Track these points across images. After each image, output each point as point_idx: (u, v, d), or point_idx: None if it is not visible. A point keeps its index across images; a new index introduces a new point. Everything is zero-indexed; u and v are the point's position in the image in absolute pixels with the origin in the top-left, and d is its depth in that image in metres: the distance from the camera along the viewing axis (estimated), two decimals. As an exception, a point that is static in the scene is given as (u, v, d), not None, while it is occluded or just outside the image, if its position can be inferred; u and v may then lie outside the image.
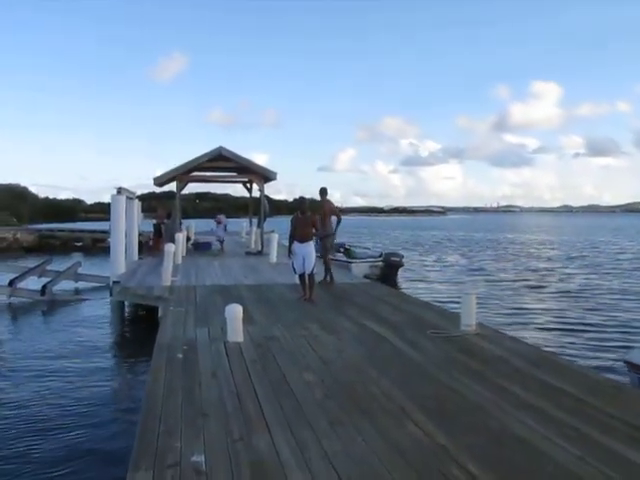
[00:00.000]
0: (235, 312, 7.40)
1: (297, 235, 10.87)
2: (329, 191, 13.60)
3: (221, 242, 23.19)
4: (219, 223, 24.08)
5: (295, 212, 11.18)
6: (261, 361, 6.54)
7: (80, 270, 19.24)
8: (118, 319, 13.58)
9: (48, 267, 19.13)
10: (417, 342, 7.53)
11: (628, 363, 7.43)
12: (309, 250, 10.87)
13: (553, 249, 42.32)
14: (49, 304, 15.73)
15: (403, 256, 22.54)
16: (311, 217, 10.98)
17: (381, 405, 5.07)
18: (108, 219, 16.83)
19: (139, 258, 19.46)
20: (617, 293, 19.52)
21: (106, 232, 26.61)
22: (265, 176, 21.52)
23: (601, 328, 13.68)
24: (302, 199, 11.31)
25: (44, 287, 16.21)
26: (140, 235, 21.78)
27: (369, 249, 25.26)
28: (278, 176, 21.55)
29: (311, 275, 10.92)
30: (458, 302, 8.84)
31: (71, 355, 10.43)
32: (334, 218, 13.51)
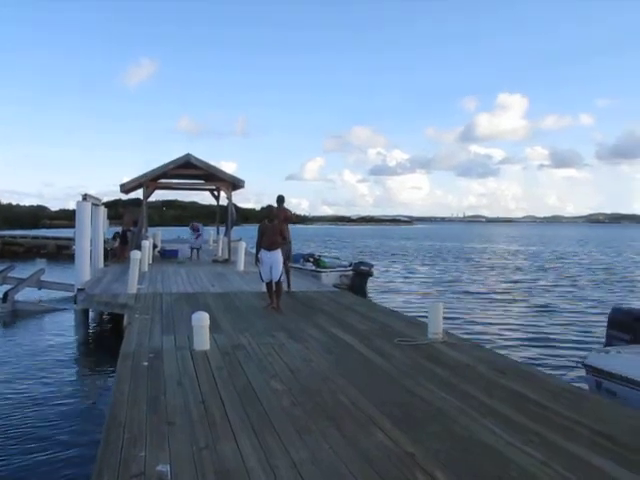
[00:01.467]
0: (202, 320, 7.34)
1: (264, 243, 10.83)
2: (297, 200, 13.90)
3: (197, 250, 22.91)
4: (196, 231, 23.42)
5: (262, 220, 11.14)
6: (228, 369, 6.49)
7: (44, 277, 18.88)
8: (82, 327, 13.35)
9: (10, 274, 18.75)
10: (385, 350, 7.56)
11: (586, 366, 7.58)
12: (276, 258, 10.84)
13: (523, 259, 42.88)
14: (11, 312, 15.41)
15: (373, 265, 22.67)
16: (279, 225, 10.95)
17: (349, 413, 5.06)
18: (73, 226, 16.61)
19: (105, 265, 19.20)
20: (582, 301, 19.90)
21: (71, 239, 26.28)
22: (233, 184, 21.43)
23: (565, 333, 14.12)
24: (270, 207, 11.33)
25: (6, 294, 15.90)
26: (106, 242, 21.49)
27: (338, 258, 25.33)
28: (246, 184, 21.54)
29: (278, 283, 10.90)
30: (426, 311, 8.89)
31: (33, 365, 10.24)
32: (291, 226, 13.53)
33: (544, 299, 20.43)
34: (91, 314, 13.92)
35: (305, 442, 4.36)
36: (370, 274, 21.82)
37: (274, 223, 10.91)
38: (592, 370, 7.40)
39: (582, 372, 7.96)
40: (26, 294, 17.39)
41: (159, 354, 7.14)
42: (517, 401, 5.44)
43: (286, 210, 13.30)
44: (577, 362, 8.51)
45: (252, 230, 14.68)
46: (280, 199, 13.06)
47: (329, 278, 20.00)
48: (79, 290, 13.19)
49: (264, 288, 11.30)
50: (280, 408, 5.15)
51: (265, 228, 10.86)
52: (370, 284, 22.37)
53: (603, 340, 9.02)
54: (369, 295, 20.23)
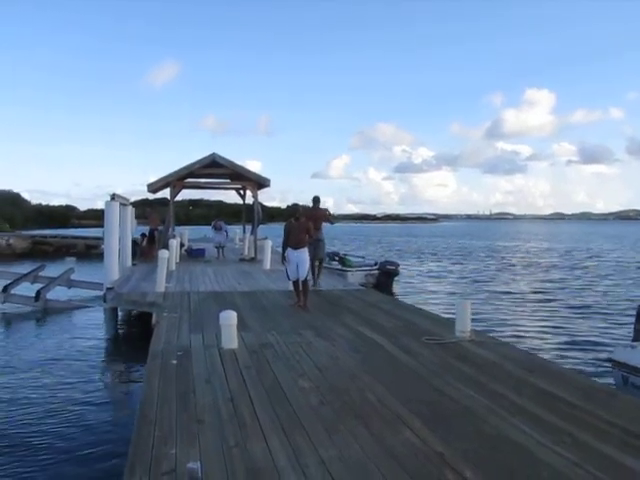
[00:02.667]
0: (229, 318, 7.39)
1: (291, 241, 10.85)
2: (323, 198, 14.07)
3: (222, 248, 22.88)
4: (219, 229, 23.32)
5: (289, 219, 11.17)
6: (256, 367, 6.53)
7: (73, 276, 19.16)
8: (111, 326, 13.52)
9: (41, 273, 19.05)
10: (412, 348, 7.54)
11: (612, 361, 7.53)
12: (303, 257, 10.86)
13: (554, 257, 42.27)
14: (42, 310, 15.66)
15: (399, 264, 22.58)
16: (305, 223, 10.96)
17: (376, 411, 5.07)
18: (101, 226, 16.79)
19: (133, 264, 19.40)
20: (615, 298, 19.62)
21: (99, 238, 26.55)
22: (259, 183, 21.49)
23: (595, 329, 14.10)
24: (296, 206, 11.33)
25: (38, 293, 16.14)
26: (134, 242, 21.70)
27: (363, 258, 25.29)
28: (272, 183, 21.56)
29: (305, 281, 10.92)
30: (454, 310, 8.86)
31: (65, 362, 10.38)
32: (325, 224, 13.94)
33: (574, 297, 20.18)
34: (120, 312, 14.10)
35: (333, 441, 4.37)
36: (396, 273, 21.75)
37: (300, 221, 10.92)
38: (618, 365, 7.36)
39: (610, 367, 7.91)
40: (56, 293, 17.65)
41: (188, 352, 7.21)
42: (547, 400, 5.39)
43: (321, 210, 13.94)
44: (605, 358, 8.46)
45: (278, 229, 14.75)
46: (316, 199, 13.73)
47: (355, 277, 19.97)
48: (108, 289, 13.34)
49: (291, 287, 11.33)
50: (308, 407, 5.17)
51: (291, 227, 10.88)
52: (397, 283, 22.30)
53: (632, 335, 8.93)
54: (395, 294, 20.16)
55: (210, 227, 24.44)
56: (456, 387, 5.81)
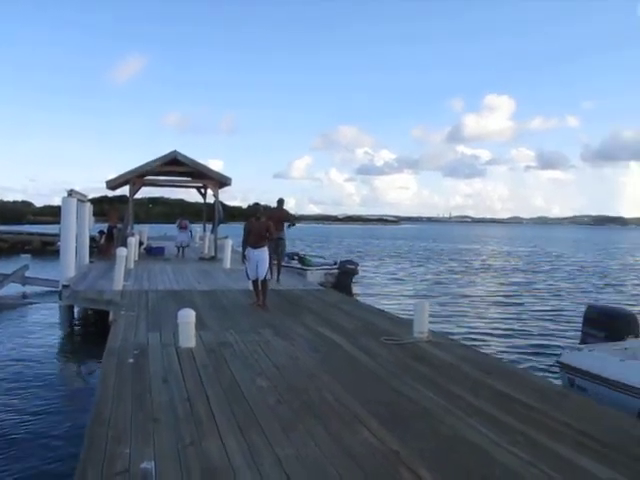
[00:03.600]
0: (187, 317, 7.32)
1: (251, 240, 10.79)
2: (285, 199, 14.82)
3: (183, 248, 22.68)
4: (183, 228, 23.08)
5: (249, 218, 11.11)
6: (213, 366, 6.47)
7: (28, 273, 18.74)
8: (67, 324, 13.25)
9: (-6, 270, 18.61)
10: (370, 348, 7.57)
11: (560, 363, 7.70)
12: (263, 256, 10.81)
13: (513, 260, 42.94)
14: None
15: (358, 264, 22.71)
16: (265, 223, 10.92)
17: (334, 411, 5.06)
18: (58, 222, 16.46)
19: (90, 262, 19.07)
20: (567, 300, 20.03)
21: (56, 235, 26.07)
22: (220, 181, 21.34)
23: (547, 332, 14.46)
24: (257, 205, 11.30)
25: (-11, 290, 15.75)
26: (92, 239, 21.35)
27: (323, 257, 25.35)
28: (233, 182, 21.42)
29: (264, 281, 10.88)
30: (412, 311, 8.92)
31: (18, 361, 10.13)
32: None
33: (531, 300, 20.58)
34: (76, 310, 13.83)
35: (291, 440, 4.35)
36: (355, 272, 21.88)
37: (261, 221, 10.86)
38: (565, 367, 7.53)
39: (557, 369, 8.09)
40: (10, 290, 17.25)
41: (144, 351, 7.11)
42: (503, 401, 5.46)
43: (284, 210, 14.72)
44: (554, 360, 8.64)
45: (238, 228, 14.66)
46: (280, 201, 14.60)
47: (314, 276, 20.02)
48: (64, 286, 13.07)
49: (251, 286, 11.27)
50: (266, 405, 5.14)
51: (252, 226, 10.81)
52: (357, 284, 22.39)
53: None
54: (355, 294, 20.25)
55: (175, 225, 23.98)
56: (414, 387, 5.85)
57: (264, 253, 10.84)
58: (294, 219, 15.61)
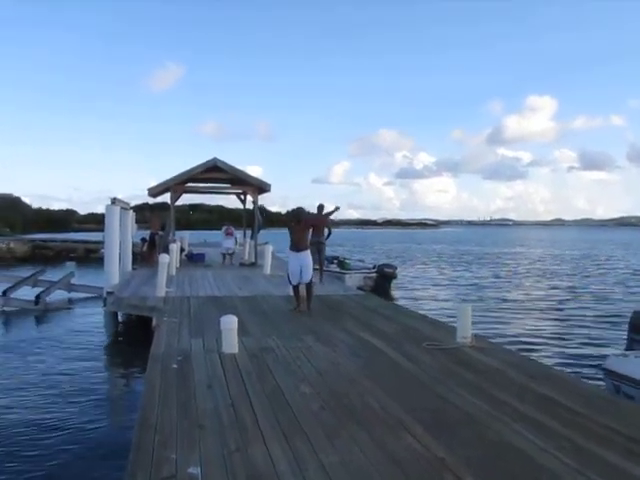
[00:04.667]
0: (230, 323, 7.38)
1: (293, 244, 10.78)
2: (325, 204, 15.48)
3: (230, 255, 22.48)
4: (229, 235, 22.68)
5: (290, 222, 11.02)
6: (256, 372, 6.50)
7: (73, 280, 19.16)
8: (111, 330, 13.49)
9: (41, 277, 19.06)
10: (413, 354, 7.52)
11: (605, 370, 7.54)
12: (307, 260, 10.75)
13: (559, 264, 42.10)
14: (42, 314, 15.64)
15: (396, 267, 22.65)
16: (305, 226, 10.89)
17: (378, 417, 5.04)
18: (101, 230, 16.81)
19: (133, 269, 19.40)
20: (615, 305, 19.59)
21: (99, 243, 26.54)
22: (259, 188, 21.49)
23: (594, 336, 14.17)
24: (299, 209, 11.12)
25: (38, 297, 16.15)
26: (134, 246, 21.70)
27: (363, 261, 25.32)
28: (272, 188, 21.56)
29: (309, 285, 10.84)
30: (454, 315, 8.84)
31: (65, 366, 10.35)
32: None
33: (575, 304, 20.19)
34: (120, 316, 14.07)
35: (335, 446, 4.35)
36: (394, 276, 21.81)
37: (301, 224, 10.80)
38: (610, 374, 7.37)
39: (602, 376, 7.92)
40: (57, 297, 17.64)
41: (188, 357, 7.19)
42: (549, 406, 5.37)
43: (323, 216, 15.45)
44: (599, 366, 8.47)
45: (278, 234, 14.81)
46: (320, 207, 15.47)
47: (353, 280, 20.01)
48: (108, 293, 13.35)
49: (291, 292, 11.27)
50: (309, 412, 5.14)
51: (293, 229, 10.78)
52: (398, 289, 22.29)
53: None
54: (394, 298, 20.16)
55: (221, 232, 23.49)
56: (458, 393, 5.79)
57: (307, 257, 10.78)
58: (331, 226, 15.98)
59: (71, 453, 6.51)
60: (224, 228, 22.89)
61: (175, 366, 6.74)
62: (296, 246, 10.71)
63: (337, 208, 15.89)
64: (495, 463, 4.09)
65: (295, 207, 11.29)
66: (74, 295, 18.59)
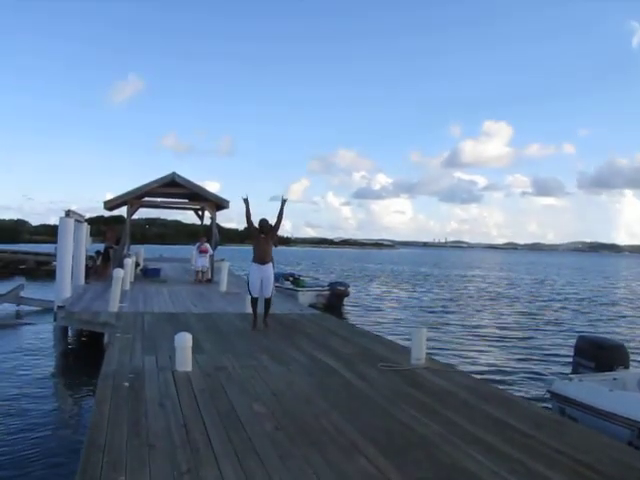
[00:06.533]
0: (184, 341, 7.29)
1: (257, 256, 10.60)
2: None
3: (203, 273, 21.16)
4: (203, 252, 21.12)
5: (257, 233, 10.67)
6: (210, 391, 6.42)
7: (23, 293, 18.67)
8: (61, 345, 13.18)
9: (-12, 290, 18.53)
10: (367, 375, 7.53)
11: (552, 393, 7.70)
12: (268, 273, 10.66)
13: (509, 287, 42.84)
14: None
15: (349, 285, 22.86)
16: (270, 238, 10.67)
17: (332, 438, 5.02)
18: (54, 242, 16.44)
19: (86, 283, 19.02)
20: (565, 329, 19.99)
21: (51, 255, 26.00)
22: (217, 204, 21.43)
23: (542, 361, 14.38)
24: (264, 220, 10.75)
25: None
26: (88, 259, 21.29)
27: (318, 279, 25.42)
28: (230, 204, 21.51)
29: (268, 300, 10.78)
30: (406, 336, 8.91)
31: (10, 383, 10.04)
32: None
33: (530, 327, 20.53)
34: (70, 332, 13.75)
35: (288, 467, 4.31)
36: (346, 294, 21.96)
37: (268, 236, 10.65)
38: (556, 396, 7.56)
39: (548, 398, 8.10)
40: (4, 310, 17.16)
41: (140, 375, 7.05)
42: (500, 429, 5.43)
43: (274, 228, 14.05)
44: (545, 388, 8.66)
45: (235, 250, 14.70)
46: (263, 221, 13.38)
47: (306, 297, 20.07)
48: (59, 307, 13.03)
49: (248, 309, 11.18)
50: (263, 432, 5.09)
51: (258, 241, 10.61)
52: (354, 309, 22.36)
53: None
54: (345, 316, 20.24)
55: (194, 248, 21.99)
56: (411, 414, 5.81)
57: (269, 270, 10.69)
58: (278, 241, 15.70)
59: (15, 475, 6.29)
60: (197, 244, 21.59)
61: (127, 384, 6.61)
62: (260, 259, 10.57)
63: (284, 201, 13.88)
64: (447, 486, 4.10)
65: (260, 218, 10.80)
66: (23, 309, 18.12)
